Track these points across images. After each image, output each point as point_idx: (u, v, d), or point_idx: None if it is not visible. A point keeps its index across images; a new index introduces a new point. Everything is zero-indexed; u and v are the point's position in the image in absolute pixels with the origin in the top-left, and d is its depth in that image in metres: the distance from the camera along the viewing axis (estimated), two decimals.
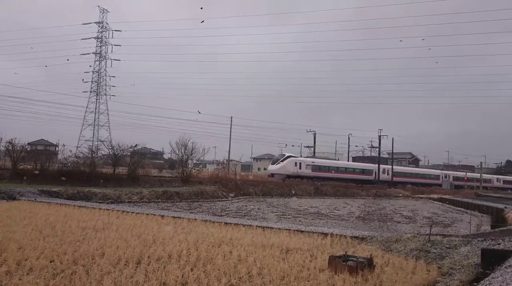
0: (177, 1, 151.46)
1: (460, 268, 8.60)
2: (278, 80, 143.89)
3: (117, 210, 17.13)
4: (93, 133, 71.72)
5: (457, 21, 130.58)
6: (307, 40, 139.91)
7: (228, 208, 27.83)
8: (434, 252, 10.19)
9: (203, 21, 66.67)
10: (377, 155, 72.81)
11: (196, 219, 15.10)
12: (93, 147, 51.66)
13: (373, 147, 76.72)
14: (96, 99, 74.87)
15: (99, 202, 23.73)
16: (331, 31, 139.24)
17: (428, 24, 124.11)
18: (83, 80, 74.67)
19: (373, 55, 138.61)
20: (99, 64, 75.58)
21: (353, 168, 68.04)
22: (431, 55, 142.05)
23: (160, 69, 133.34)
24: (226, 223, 14.42)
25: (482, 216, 28.06)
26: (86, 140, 71.44)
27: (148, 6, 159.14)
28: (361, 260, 8.22)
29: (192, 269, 7.63)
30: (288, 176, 54.57)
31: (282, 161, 57.47)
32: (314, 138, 75.47)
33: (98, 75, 75.32)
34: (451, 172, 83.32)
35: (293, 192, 43.67)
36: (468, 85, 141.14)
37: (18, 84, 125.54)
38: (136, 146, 41.97)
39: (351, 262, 8.07)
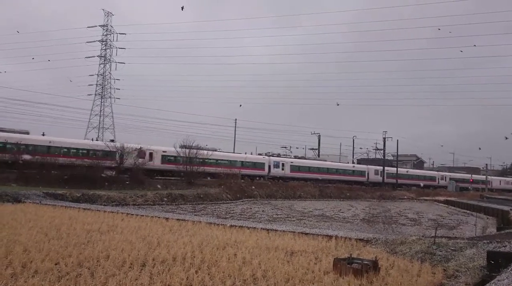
0: (183, 3, 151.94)
1: (466, 271, 8.55)
2: (283, 82, 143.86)
3: (122, 213, 17.18)
4: (98, 136, 71.69)
5: (465, 22, 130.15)
6: (312, 42, 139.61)
7: (233, 210, 27.86)
8: (439, 255, 10.13)
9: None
10: (382, 157, 72.63)
11: (200, 222, 15.11)
12: None
13: (378, 149, 76.68)
14: (101, 102, 75.09)
15: (104, 205, 23.80)
16: (336, 33, 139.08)
17: (435, 25, 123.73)
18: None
19: (379, 57, 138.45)
20: (104, 67, 75.80)
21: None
22: (437, 57, 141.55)
23: (165, 72, 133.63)
24: (230, 226, 14.41)
25: (487, 218, 27.95)
26: None
27: (154, 8, 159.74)
28: (366, 262, 8.19)
29: (196, 272, 7.63)
30: None
31: None
32: (319, 140, 75.58)
33: (103, 78, 75.54)
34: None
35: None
36: (475, 87, 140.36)
37: (22, 87, 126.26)
38: (140, 148, 41.98)
39: (356, 264, 8.04)
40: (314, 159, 67.05)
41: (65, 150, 39.95)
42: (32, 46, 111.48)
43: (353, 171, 64.27)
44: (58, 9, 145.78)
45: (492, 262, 8.26)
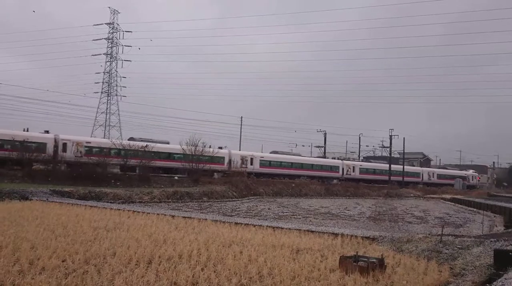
0: (191, 2, 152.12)
1: (473, 269, 8.51)
2: (290, 80, 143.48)
3: (128, 210, 17.24)
4: (104, 134, 72.01)
5: (475, 19, 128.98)
6: (319, 40, 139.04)
7: (239, 208, 27.87)
8: (446, 253, 10.10)
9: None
10: (388, 155, 72.36)
11: (206, 219, 15.13)
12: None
13: (384, 147, 76.40)
14: (107, 100, 75.29)
15: (110, 202, 23.91)
16: (343, 31, 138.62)
17: (444, 23, 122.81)
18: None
19: (386, 54, 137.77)
20: (110, 65, 75.98)
21: None
22: (444, 54, 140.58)
23: (173, 70, 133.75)
24: (236, 223, 14.43)
25: (494, 216, 27.75)
26: None
27: (162, 7, 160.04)
28: (372, 260, 8.17)
29: (202, 269, 7.65)
30: None
31: None
32: (325, 138, 75.33)
33: (109, 76, 75.74)
34: None
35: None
36: (483, 84, 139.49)
37: (29, 85, 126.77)
38: (146, 146, 42.11)
39: (362, 262, 8.02)
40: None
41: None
42: (38, 44, 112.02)
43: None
44: (64, 7, 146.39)
45: (499, 260, 8.22)
